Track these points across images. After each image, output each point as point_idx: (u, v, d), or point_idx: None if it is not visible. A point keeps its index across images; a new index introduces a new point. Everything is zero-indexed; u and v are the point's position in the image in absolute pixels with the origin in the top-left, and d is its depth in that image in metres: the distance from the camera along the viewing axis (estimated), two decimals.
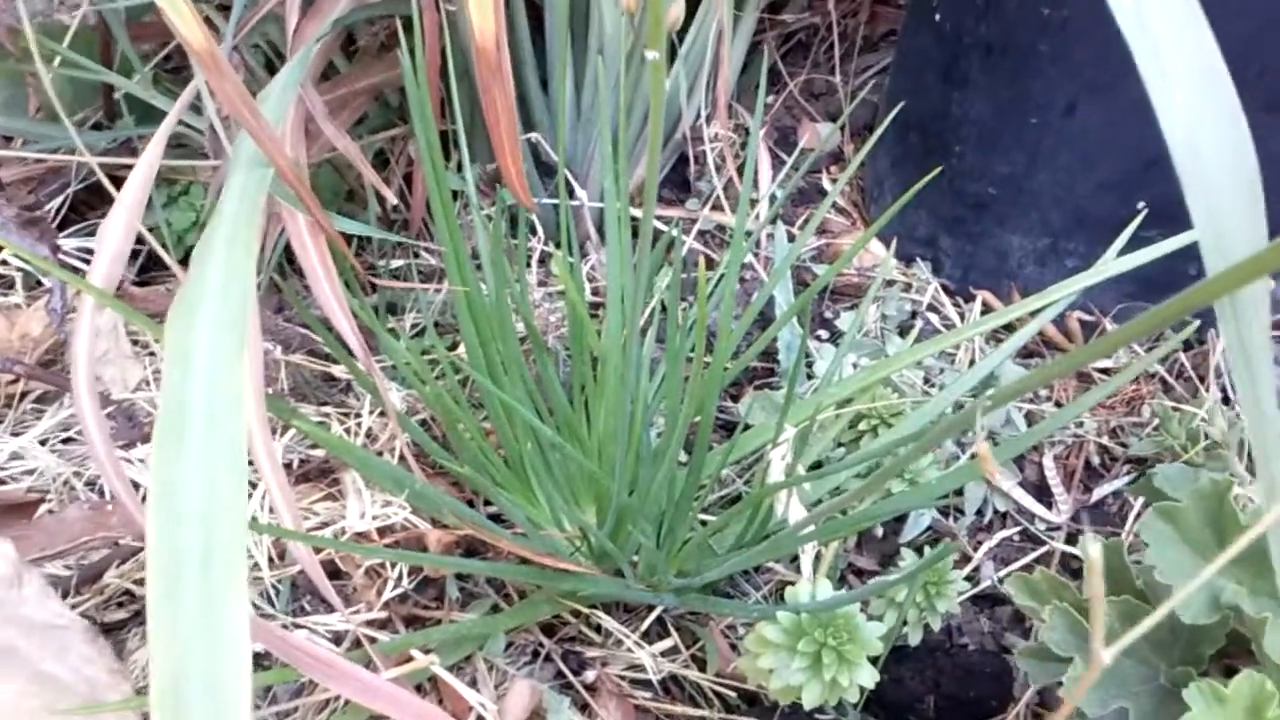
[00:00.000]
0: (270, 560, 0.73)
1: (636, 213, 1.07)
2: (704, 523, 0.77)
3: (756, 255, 1.02)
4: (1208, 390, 0.87)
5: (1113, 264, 0.73)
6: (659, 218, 1.09)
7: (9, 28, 0.67)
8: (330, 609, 0.71)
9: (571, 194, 1.06)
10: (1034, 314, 0.74)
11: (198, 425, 0.32)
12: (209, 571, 0.29)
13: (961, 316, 0.94)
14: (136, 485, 0.75)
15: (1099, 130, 0.84)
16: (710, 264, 1.04)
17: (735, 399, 0.91)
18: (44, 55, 0.89)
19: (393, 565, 0.73)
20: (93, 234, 0.91)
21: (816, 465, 0.78)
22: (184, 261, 0.95)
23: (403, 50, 0.69)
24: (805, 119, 1.16)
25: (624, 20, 0.94)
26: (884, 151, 1.04)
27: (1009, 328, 0.93)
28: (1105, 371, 0.91)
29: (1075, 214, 0.88)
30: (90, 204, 0.96)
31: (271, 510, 0.73)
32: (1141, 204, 0.85)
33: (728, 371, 0.78)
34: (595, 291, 1.04)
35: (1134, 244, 0.88)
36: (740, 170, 1.10)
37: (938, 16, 0.91)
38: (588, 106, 1.09)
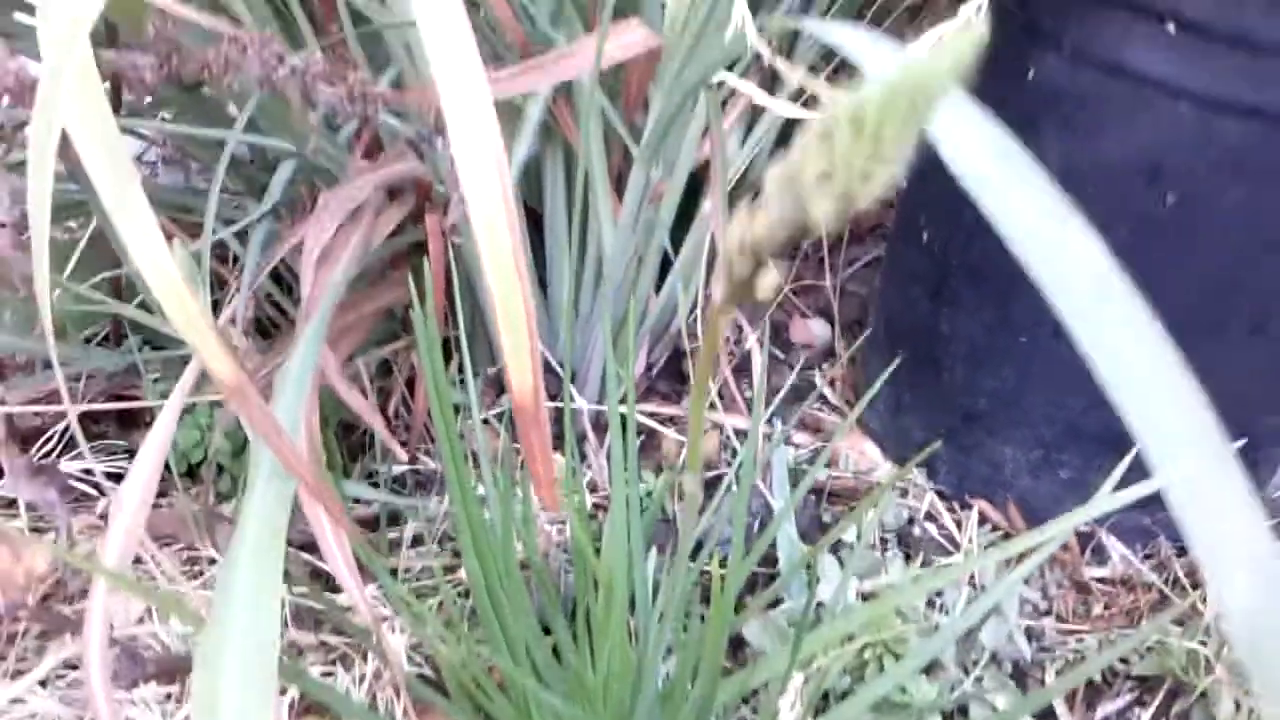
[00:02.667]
0: None
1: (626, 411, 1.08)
2: None
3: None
4: (1205, 603, 0.88)
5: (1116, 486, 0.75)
6: (653, 414, 1.11)
7: (23, 275, 0.69)
8: None
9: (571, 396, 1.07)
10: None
11: None
12: None
13: (958, 524, 0.95)
14: None
15: None
16: (707, 464, 1.05)
17: (734, 610, 0.91)
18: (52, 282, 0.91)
19: None
20: (100, 454, 0.92)
21: (823, 696, 0.78)
22: (188, 474, 0.96)
23: (413, 291, 0.71)
24: (796, 314, 1.19)
25: (627, 233, 0.97)
26: (875, 358, 1.06)
27: (1007, 536, 0.95)
28: (1102, 580, 0.92)
29: (1067, 429, 0.90)
30: (95, 418, 0.97)
31: None
32: None
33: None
34: (593, 488, 1.05)
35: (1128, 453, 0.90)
36: (735, 370, 1.12)
37: (925, 236, 0.94)
38: (586, 308, 1.12)
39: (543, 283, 1.12)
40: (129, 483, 0.54)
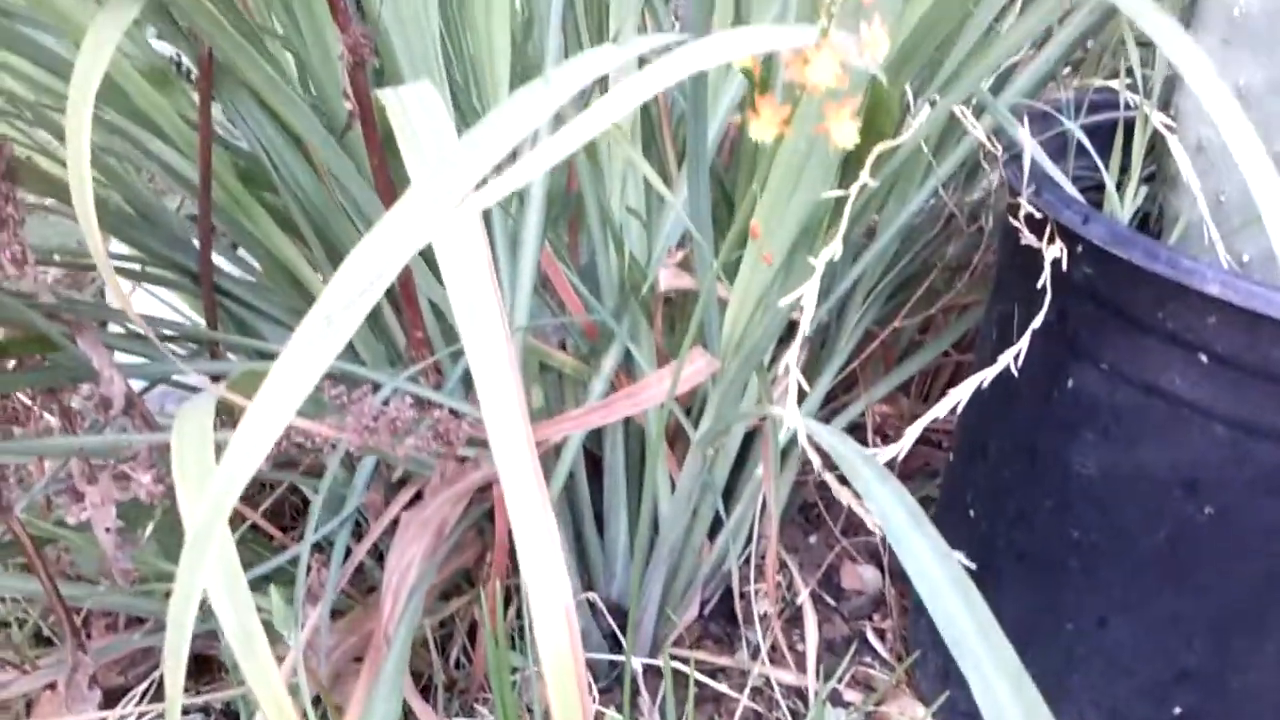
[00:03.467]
0: None
1: (681, 666, 1.11)
2: None
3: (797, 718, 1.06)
4: None
5: None
6: (705, 666, 1.13)
7: (123, 569, 0.75)
8: None
9: (621, 644, 1.11)
10: None
11: None
12: None
13: None
14: None
15: (1130, 643, 0.88)
16: None
17: None
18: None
19: None
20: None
21: None
22: None
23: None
24: (846, 559, 1.22)
25: (683, 501, 1.02)
26: (923, 620, 1.08)
27: None
28: None
29: (1112, 714, 0.91)
30: None
31: None
32: (1178, 710, 0.89)
33: None
34: None
35: None
36: (786, 622, 1.15)
37: (971, 513, 0.98)
38: (641, 549, 1.16)
39: (599, 523, 1.16)
40: None
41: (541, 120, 0.53)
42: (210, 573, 0.44)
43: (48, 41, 0.75)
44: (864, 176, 0.60)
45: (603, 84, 0.82)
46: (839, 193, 0.60)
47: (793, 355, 0.60)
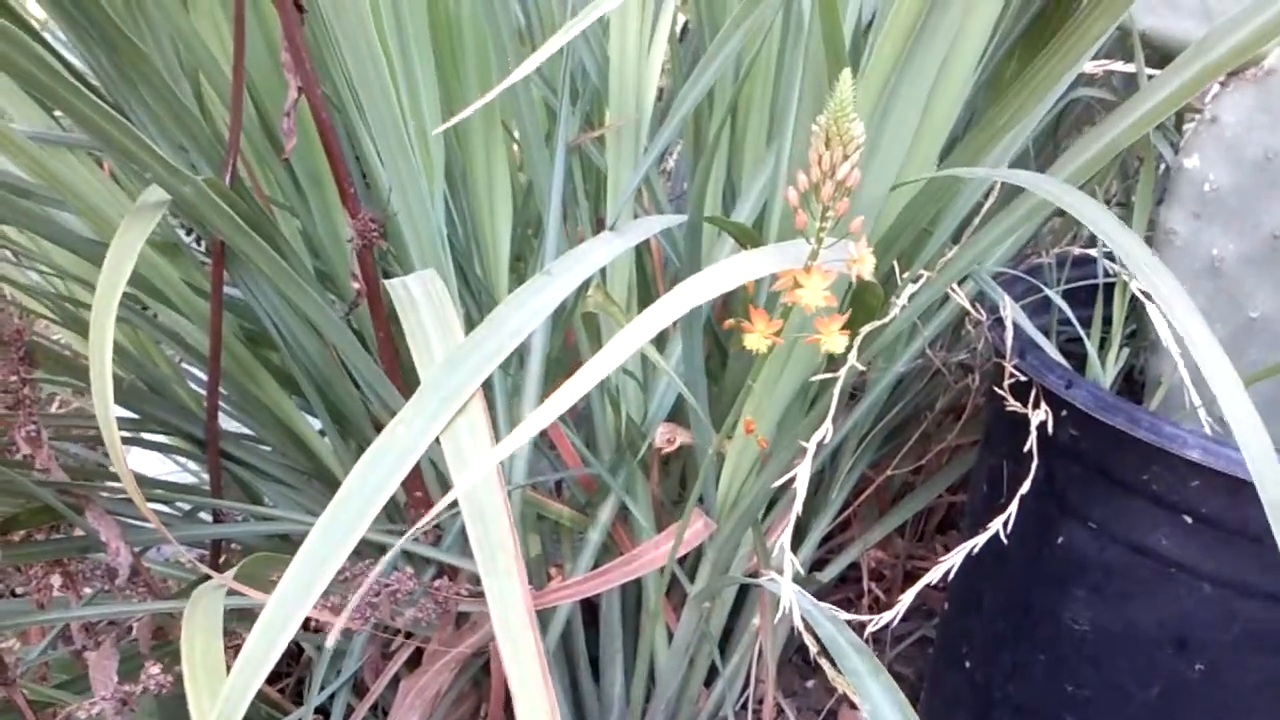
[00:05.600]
0: None
1: None
2: None
3: None
4: None
5: None
6: None
7: None
8: None
9: None
10: None
11: None
12: None
13: None
14: None
15: None
16: None
17: None
18: None
19: None
20: None
21: None
22: None
23: None
24: (845, 703, 1.22)
25: (679, 654, 1.02)
26: None
27: None
28: None
29: None
30: None
31: None
32: None
33: None
34: None
35: None
36: None
37: (968, 664, 0.98)
38: (638, 698, 1.15)
39: (595, 669, 1.16)
40: None
41: (542, 316, 0.55)
42: None
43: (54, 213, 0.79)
44: (852, 358, 0.63)
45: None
46: (827, 375, 0.62)
47: (786, 535, 0.62)
